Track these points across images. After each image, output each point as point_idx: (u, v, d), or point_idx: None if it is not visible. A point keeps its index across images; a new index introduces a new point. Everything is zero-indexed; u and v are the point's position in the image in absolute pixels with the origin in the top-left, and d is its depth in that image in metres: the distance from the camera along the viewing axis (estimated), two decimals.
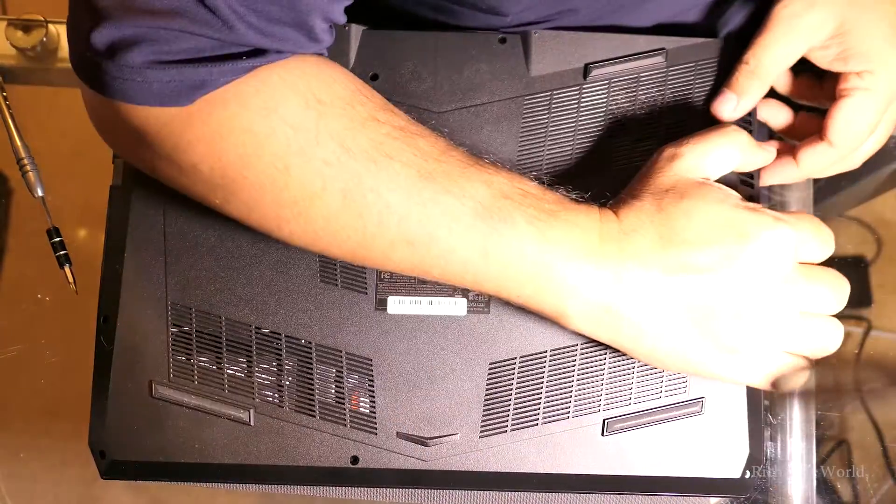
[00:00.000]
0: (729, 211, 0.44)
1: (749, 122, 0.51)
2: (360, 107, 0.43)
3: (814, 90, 0.54)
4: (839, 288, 0.45)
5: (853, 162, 0.53)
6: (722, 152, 0.46)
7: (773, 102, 0.54)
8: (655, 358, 0.45)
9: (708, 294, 0.43)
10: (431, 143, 0.44)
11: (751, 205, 0.45)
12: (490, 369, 0.48)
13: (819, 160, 0.51)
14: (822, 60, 0.50)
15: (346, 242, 0.43)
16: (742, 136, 0.47)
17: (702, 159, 0.46)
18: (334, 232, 0.43)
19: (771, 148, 0.48)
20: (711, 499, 0.52)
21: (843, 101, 0.49)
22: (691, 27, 0.57)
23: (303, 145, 0.42)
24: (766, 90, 0.50)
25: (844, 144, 0.50)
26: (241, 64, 0.41)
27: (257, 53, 0.41)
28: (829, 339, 0.45)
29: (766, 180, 0.52)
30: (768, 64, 0.49)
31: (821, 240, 0.45)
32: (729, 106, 0.50)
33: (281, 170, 0.42)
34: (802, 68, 0.52)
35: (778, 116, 0.55)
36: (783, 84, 0.54)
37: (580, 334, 0.47)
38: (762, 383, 0.45)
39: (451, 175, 0.43)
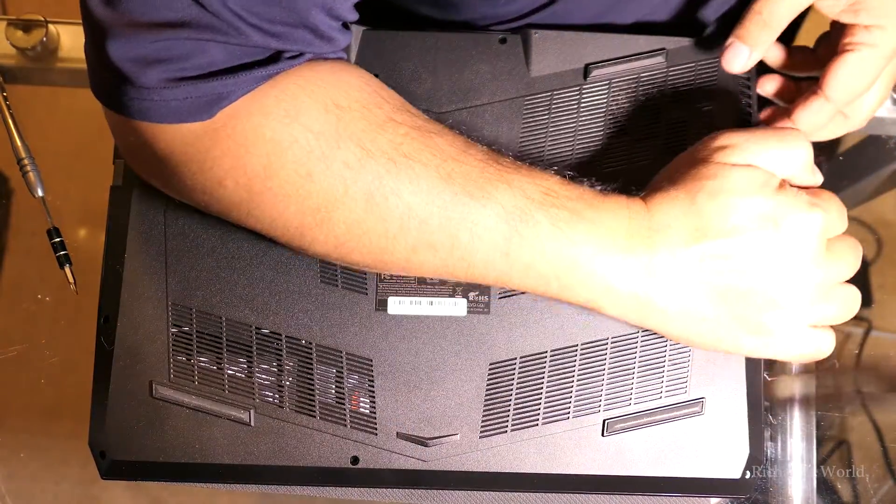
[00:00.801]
0: (766, 200, 0.43)
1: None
2: (377, 109, 0.43)
3: (807, 60, 0.53)
4: (856, 255, 0.45)
5: (857, 121, 0.53)
6: (781, 154, 0.44)
7: (771, 76, 0.54)
8: (686, 339, 0.46)
9: (741, 281, 0.43)
10: (450, 142, 0.44)
11: (789, 190, 0.44)
12: (490, 369, 0.48)
13: (816, 117, 0.50)
14: (831, 10, 0.49)
15: (369, 247, 0.43)
16: (808, 147, 0.45)
17: (758, 155, 0.44)
18: (357, 237, 0.43)
19: (820, 175, 0.47)
20: (711, 499, 0.52)
21: (848, 55, 0.48)
22: (698, 24, 0.57)
23: (324, 150, 0.42)
24: (773, 41, 0.50)
25: (841, 99, 0.49)
26: (255, 73, 0.41)
27: (270, 61, 0.42)
28: (850, 305, 0.45)
29: None
30: (781, 13, 0.48)
31: (842, 217, 0.45)
32: (741, 58, 0.49)
33: (304, 176, 0.42)
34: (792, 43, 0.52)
35: (771, 85, 0.54)
36: (775, 57, 0.54)
37: (579, 335, 0.48)
38: (792, 357, 0.46)
39: (470, 176, 0.43)
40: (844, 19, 0.49)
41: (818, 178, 0.46)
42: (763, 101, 0.54)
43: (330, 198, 0.42)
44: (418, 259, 0.44)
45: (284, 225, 0.44)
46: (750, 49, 0.49)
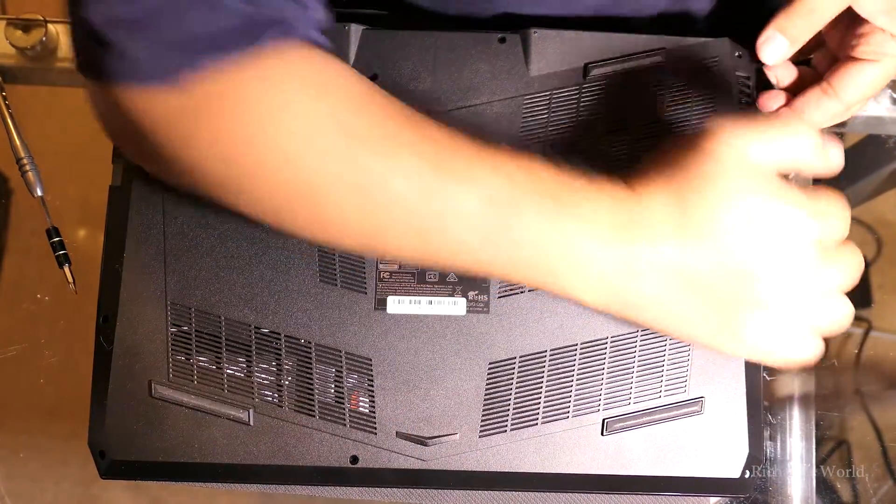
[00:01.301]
0: (759, 203, 0.41)
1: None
2: (363, 95, 0.43)
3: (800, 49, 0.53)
4: (854, 267, 0.44)
5: (850, 112, 0.52)
6: (782, 147, 0.42)
7: (788, 65, 0.53)
8: (664, 332, 0.45)
9: (722, 283, 0.42)
10: (437, 129, 0.44)
11: (788, 192, 0.42)
12: (490, 369, 0.48)
13: (824, 116, 0.50)
14: (867, 8, 0.47)
15: (356, 231, 0.43)
16: (811, 136, 0.43)
17: (758, 151, 0.42)
18: (344, 222, 0.43)
19: (837, 158, 0.44)
20: (711, 498, 0.52)
21: (871, 64, 0.48)
22: (694, 17, 0.57)
23: (312, 133, 0.41)
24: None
25: (853, 102, 0.49)
26: (233, 43, 0.40)
27: (246, 33, 0.41)
28: (841, 318, 0.43)
29: None
30: (829, 10, 0.47)
31: (844, 222, 0.43)
32: (780, 50, 0.48)
33: (291, 160, 0.42)
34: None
35: (788, 75, 0.53)
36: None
37: (579, 334, 0.48)
38: (770, 362, 0.44)
39: (457, 163, 0.42)
40: (880, 23, 0.47)
41: (832, 163, 0.44)
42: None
43: (318, 181, 0.42)
44: (406, 244, 0.43)
45: (272, 208, 0.43)
46: (790, 42, 0.48)
